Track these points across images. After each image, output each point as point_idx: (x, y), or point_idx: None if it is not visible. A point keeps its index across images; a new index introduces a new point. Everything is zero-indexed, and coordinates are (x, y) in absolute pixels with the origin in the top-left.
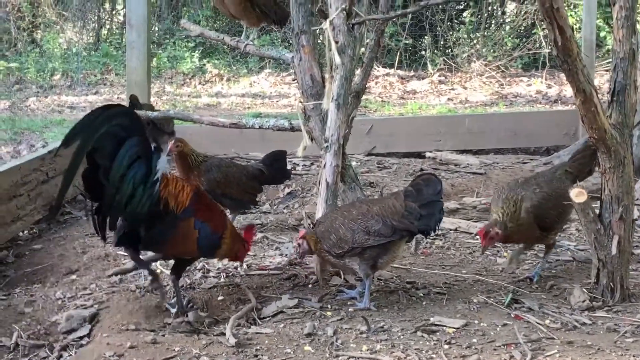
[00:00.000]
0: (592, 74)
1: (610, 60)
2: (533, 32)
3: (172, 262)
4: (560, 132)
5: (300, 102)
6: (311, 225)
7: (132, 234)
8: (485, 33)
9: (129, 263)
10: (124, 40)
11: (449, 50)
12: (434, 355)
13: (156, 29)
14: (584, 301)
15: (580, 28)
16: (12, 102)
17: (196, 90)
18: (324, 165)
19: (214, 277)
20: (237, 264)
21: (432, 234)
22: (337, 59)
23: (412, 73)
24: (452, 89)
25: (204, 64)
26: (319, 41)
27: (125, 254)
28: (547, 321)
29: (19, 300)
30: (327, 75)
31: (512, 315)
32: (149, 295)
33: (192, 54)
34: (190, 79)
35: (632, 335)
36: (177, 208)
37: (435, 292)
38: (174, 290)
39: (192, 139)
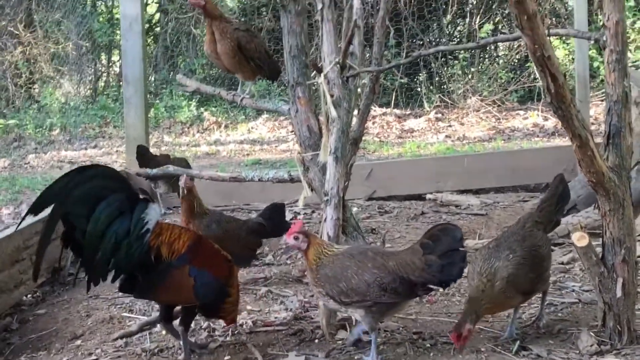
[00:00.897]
0: (587, 109)
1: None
2: (527, 65)
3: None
4: (559, 168)
5: (299, 153)
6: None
7: (133, 280)
8: (480, 68)
9: (134, 325)
10: (121, 92)
11: (444, 87)
12: None
13: (152, 79)
14: (591, 345)
15: (573, 59)
16: (11, 160)
17: (195, 139)
18: (325, 219)
19: (219, 335)
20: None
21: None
22: (333, 113)
23: (408, 111)
24: (450, 126)
25: (202, 112)
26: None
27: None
28: None
29: None
30: (323, 128)
31: None
32: (155, 358)
33: (190, 102)
34: (188, 127)
35: None
36: (170, 256)
37: (443, 341)
38: (182, 344)
39: None
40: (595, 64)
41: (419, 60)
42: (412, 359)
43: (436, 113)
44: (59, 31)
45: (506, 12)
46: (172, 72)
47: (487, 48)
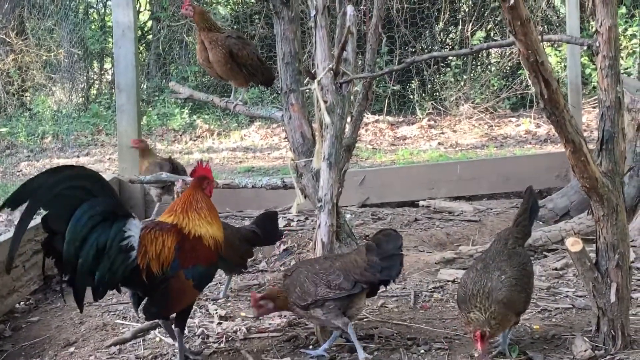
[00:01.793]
0: (579, 116)
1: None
2: (519, 72)
3: None
4: (552, 175)
5: (292, 159)
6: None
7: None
8: (472, 75)
9: (127, 332)
10: (113, 99)
11: (437, 94)
12: None
13: (145, 86)
14: (585, 350)
15: (565, 67)
16: (3, 168)
17: (187, 147)
18: (319, 225)
19: (213, 342)
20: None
21: (392, 283)
22: (327, 119)
23: (401, 118)
24: (442, 133)
25: (194, 120)
26: (308, 95)
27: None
28: None
29: None
30: (317, 134)
31: None
32: None
33: (182, 110)
34: (181, 135)
35: None
36: (162, 268)
37: (437, 347)
38: (178, 346)
39: None
40: (587, 71)
41: (411, 67)
42: None
43: (429, 120)
44: (51, 39)
45: (498, 19)
46: (164, 80)
47: (480, 55)
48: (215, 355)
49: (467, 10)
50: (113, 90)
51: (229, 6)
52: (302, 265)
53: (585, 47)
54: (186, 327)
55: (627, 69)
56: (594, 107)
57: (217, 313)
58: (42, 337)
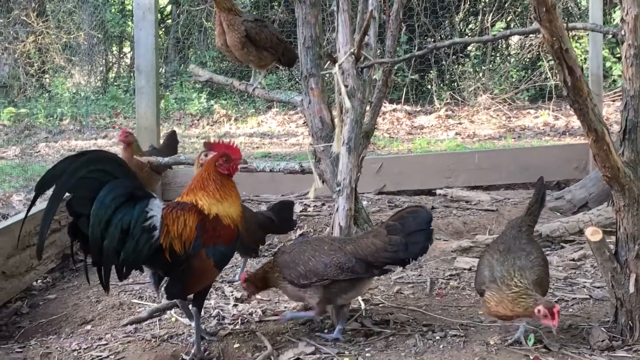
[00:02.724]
0: (600, 106)
1: (616, 90)
2: (538, 64)
3: None
4: (571, 166)
5: (311, 144)
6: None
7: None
8: (491, 66)
9: (144, 312)
10: (131, 83)
11: (455, 84)
12: None
13: (163, 71)
14: (603, 341)
15: (586, 59)
16: (22, 149)
17: (205, 131)
18: (337, 209)
19: (229, 323)
20: (252, 309)
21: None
22: (347, 103)
23: (419, 108)
24: (460, 123)
25: (212, 105)
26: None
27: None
28: None
29: (35, 353)
30: (336, 119)
31: (532, 358)
32: (165, 344)
33: (200, 95)
34: (198, 120)
35: None
36: (184, 247)
37: (452, 334)
38: (194, 327)
39: None
40: (607, 64)
41: (430, 57)
42: (422, 351)
43: (446, 110)
44: (71, 21)
45: (518, 10)
46: (182, 64)
47: (499, 46)
48: (230, 337)
49: (487, 0)
50: (131, 74)
51: None
52: (305, 244)
53: (610, 36)
54: (203, 309)
55: None
56: (613, 100)
57: (232, 295)
58: (59, 314)
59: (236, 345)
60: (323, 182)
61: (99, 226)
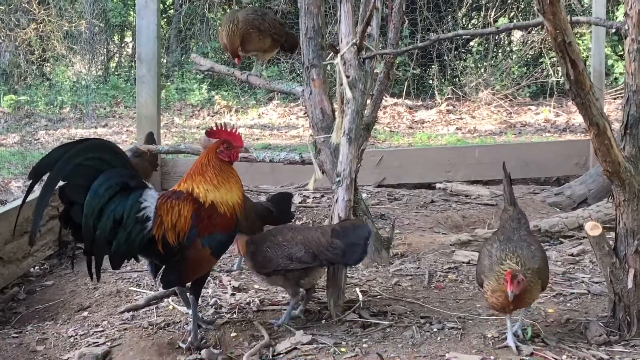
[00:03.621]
0: (602, 102)
1: (618, 88)
2: (540, 60)
3: None
4: (571, 162)
5: (311, 135)
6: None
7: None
8: (493, 62)
9: (141, 299)
10: (132, 72)
11: (457, 80)
12: None
13: (165, 61)
14: (600, 335)
15: (588, 57)
16: (22, 136)
17: (205, 122)
18: (336, 200)
19: (226, 312)
20: (249, 299)
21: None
22: (349, 94)
23: (420, 103)
24: (461, 118)
25: (213, 96)
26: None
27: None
28: (564, 357)
29: (31, 338)
30: (337, 109)
31: (529, 352)
32: (162, 332)
33: (201, 85)
34: (199, 110)
35: None
36: (178, 238)
37: (450, 327)
38: (191, 315)
39: None
40: (610, 62)
41: (432, 51)
42: (419, 343)
43: (447, 105)
44: (73, 9)
45: (521, 6)
46: (184, 55)
47: (501, 42)
48: (227, 325)
49: None
50: (132, 63)
51: None
52: (266, 235)
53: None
54: (200, 297)
55: None
56: (614, 98)
57: (230, 284)
58: (55, 300)
59: (233, 334)
60: (323, 172)
61: (92, 216)
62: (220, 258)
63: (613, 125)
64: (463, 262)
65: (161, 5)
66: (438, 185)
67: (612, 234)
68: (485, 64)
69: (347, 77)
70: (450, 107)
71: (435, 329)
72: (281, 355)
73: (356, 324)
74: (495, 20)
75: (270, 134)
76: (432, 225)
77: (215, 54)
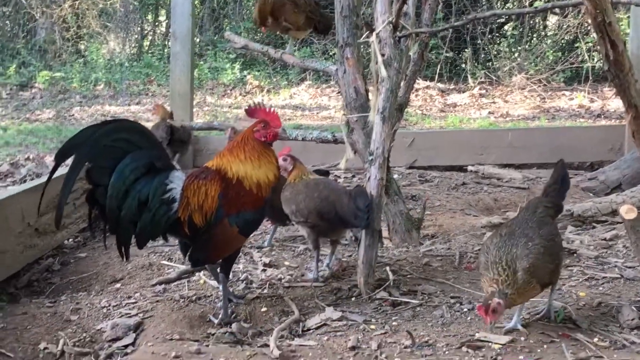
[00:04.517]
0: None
1: None
2: (575, 45)
3: None
4: (605, 148)
5: (344, 114)
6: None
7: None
8: (527, 46)
9: (173, 273)
10: (166, 51)
11: (490, 64)
12: None
13: (198, 40)
14: (632, 319)
15: (625, 42)
16: (57, 111)
17: (237, 102)
18: (368, 179)
19: (257, 287)
20: (280, 275)
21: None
22: (383, 72)
23: (452, 86)
24: (493, 103)
25: (245, 76)
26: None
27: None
28: (596, 339)
29: (65, 308)
30: (371, 88)
31: (560, 333)
32: (193, 305)
33: (233, 65)
34: (231, 90)
35: None
36: (205, 218)
37: None
38: (222, 292)
39: None
40: None
41: (465, 35)
42: (449, 322)
43: (480, 89)
44: None
45: None
46: (217, 34)
47: (536, 26)
48: (258, 300)
49: None
50: (166, 42)
51: None
52: (302, 185)
53: None
54: (231, 273)
55: None
56: None
57: (261, 260)
58: (89, 272)
59: (263, 309)
60: (355, 152)
61: (117, 197)
62: (251, 235)
63: None
64: None
65: None
66: (470, 168)
67: None
68: (519, 48)
69: (382, 55)
70: (483, 91)
71: (465, 309)
72: (311, 331)
73: (386, 302)
74: (531, 4)
75: (302, 115)
76: (463, 207)
77: (248, 33)
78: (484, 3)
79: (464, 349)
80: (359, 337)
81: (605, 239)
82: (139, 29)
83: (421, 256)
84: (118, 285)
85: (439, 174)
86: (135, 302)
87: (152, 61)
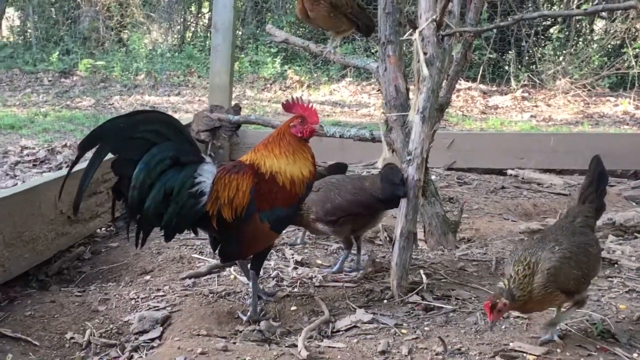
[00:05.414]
0: None
1: None
2: (622, 51)
3: None
4: None
5: (383, 112)
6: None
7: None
8: (572, 50)
9: (203, 267)
10: (207, 43)
11: (534, 66)
12: None
13: (240, 33)
14: None
15: None
16: (97, 100)
17: (276, 96)
18: (406, 179)
19: (287, 286)
20: (311, 273)
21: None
22: (425, 71)
23: (494, 88)
24: (536, 106)
25: (285, 70)
26: (406, 50)
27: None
28: (635, 354)
29: (94, 298)
30: (412, 87)
31: (598, 346)
32: (222, 301)
33: (274, 59)
34: (271, 84)
35: None
36: (235, 213)
37: (515, 315)
38: (251, 288)
39: None
40: None
41: (509, 36)
42: (483, 330)
43: (523, 92)
44: None
45: None
46: (259, 28)
47: (582, 31)
48: (288, 299)
49: None
50: (208, 34)
51: None
52: (329, 184)
53: None
54: (262, 270)
55: None
56: None
57: (293, 258)
58: (119, 262)
59: (293, 308)
60: (392, 151)
61: (139, 189)
62: (283, 232)
63: None
64: None
65: None
66: (509, 172)
67: None
68: (564, 51)
69: (425, 54)
70: (526, 94)
71: None
72: (340, 333)
73: (419, 306)
74: (579, 7)
75: (341, 111)
76: (502, 212)
77: (290, 28)
78: (529, 6)
79: (497, 358)
80: (390, 341)
81: None
82: (181, 20)
83: (456, 260)
84: (148, 277)
85: (478, 176)
86: (164, 295)
87: (193, 53)
